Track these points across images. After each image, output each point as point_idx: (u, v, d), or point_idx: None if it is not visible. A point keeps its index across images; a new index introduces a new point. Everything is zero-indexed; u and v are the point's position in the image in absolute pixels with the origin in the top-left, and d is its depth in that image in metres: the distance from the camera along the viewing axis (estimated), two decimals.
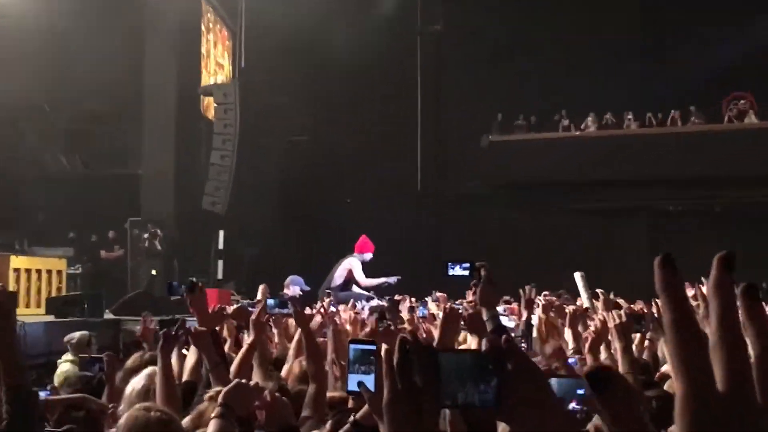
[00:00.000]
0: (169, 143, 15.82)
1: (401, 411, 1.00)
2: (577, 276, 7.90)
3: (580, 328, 5.22)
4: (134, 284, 14.28)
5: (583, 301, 7.64)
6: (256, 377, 3.79)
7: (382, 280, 11.48)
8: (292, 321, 5.57)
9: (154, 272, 14.44)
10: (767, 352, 0.77)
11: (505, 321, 4.70)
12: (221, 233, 16.22)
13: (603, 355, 4.05)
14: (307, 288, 10.47)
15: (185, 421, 2.82)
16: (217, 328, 4.27)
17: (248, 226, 16.94)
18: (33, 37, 14.61)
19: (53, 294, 11.09)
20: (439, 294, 8.72)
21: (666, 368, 4.26)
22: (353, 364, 1.89)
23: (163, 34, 15.86)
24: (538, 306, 5.83)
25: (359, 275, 11.40)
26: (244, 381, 2.73)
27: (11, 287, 9.84)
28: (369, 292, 11.34)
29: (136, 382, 3.57)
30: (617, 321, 3.70)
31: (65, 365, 6.25)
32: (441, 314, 3.60)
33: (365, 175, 18.11)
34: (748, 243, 14.61)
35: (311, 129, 18.68)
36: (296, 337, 4.77)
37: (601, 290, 5.79)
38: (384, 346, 1.23)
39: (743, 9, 16.79)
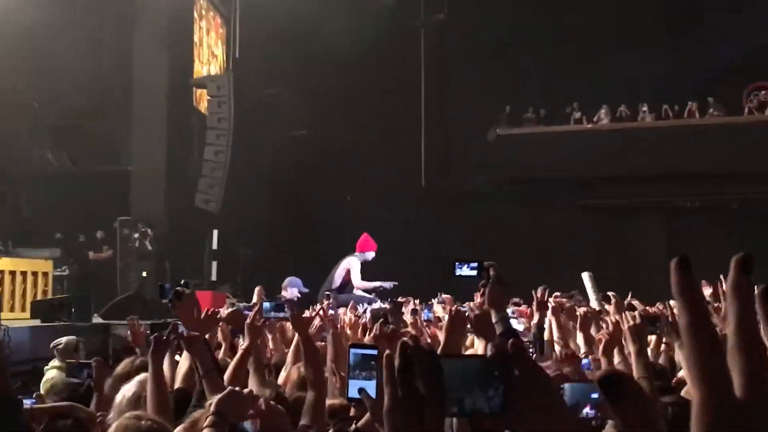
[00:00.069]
0: (160, 138, 15.80)
1: (402, 419, 1.00)
2: (585, 276, 7.89)
3: (593, 331, 5.22)
4: (124, 287, 14.29)
5: (591, 302, 7.64)
6: (251, 384, 3.79)
7: (378, 284, 11.49)
8: (289, 325, 5.57)
9: (144, 274, 14.45)
10: None
11: (514, 324, 4.70)
12: (215, 233, 16.22)
13: (617, 359, 4.05)
14: (306, 290, 10.48)
15: (178, 431, 2.82)
16: (208, 334, 4.27)
17: (244, 225, 16.95)
18: (16, 31, 14.60)
19: (39, 297, 11.09)
20: (444, 296, 8.72)
21: (683, 373, 4.26)
22: (354, 369, 1.90)
23: (153, 22, 15.85)
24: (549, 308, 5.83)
25: (356, 276, 11.42)
26: (238, 388, 2.72)
27: None
28: (371, 294, 11.35)
29: (127, 390, 3.57)
30: (631, 323, 3.70)
31: (52, 372, 6.26)
32: (446, 317, 3.60)
33: (366, 171, 18.12)
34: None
35: (309, 123, 18.69)
36: (294, 342, 4.77)
37: (613, 293, 5.79)
38: (386, 351, 1.23)
39: None
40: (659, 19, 18.28)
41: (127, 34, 15.87)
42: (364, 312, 7.40)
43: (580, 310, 5.58)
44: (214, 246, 16.29)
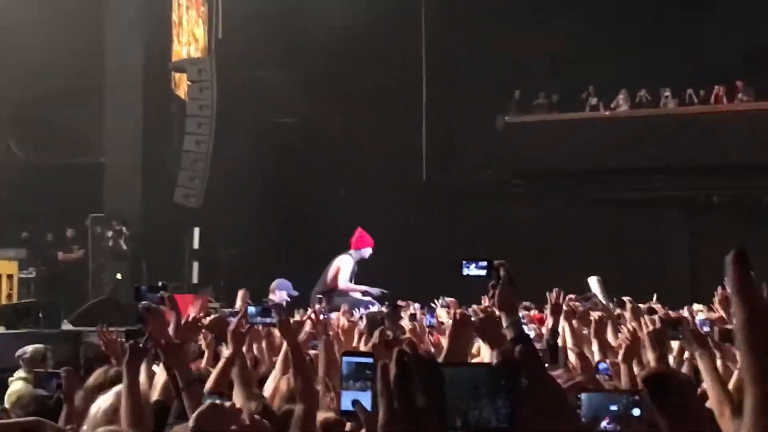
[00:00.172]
0: (136, 127, 15.77)
1: None
2: (593, 281, 7.89)
3: (610, 338, 5.22)
4: (96, 290, 14.27)
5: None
6: (236, 397, 3.79)
7: (365, 288, 11.49)
8: (278, 332, 5.57)
9: (119, 276, 14.44)
10: None
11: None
12: (196, 230, 16.20)
13: (636, 370, 4.05)
14: (296, 293, 10.48)
15: None
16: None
17: (228, 223, 16.92)
18: None
19: (3, 302, 11.09)
20: (449, 299, 8.72)
21: (706, 385, 4.27)
22: (347, 379, 1.89)
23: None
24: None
25: (343, 276, 11.43)
26: (219, 402, 2.73)
27: None
28: (368, 296, 11.36)
29: (103, 401, 3.58)
30: (650, 328, 3.70)
31: (17, 383, 6.26)
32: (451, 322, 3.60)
33: (362, 163, 18.09)
34: None
35: (300, 110, 18.65)
36: (283, 351, 4.78)
37: (628, 298, 5.81)
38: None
39: None
40: None
41: (98, 13, 15.83)
42: (361, 318, 7.41)
43: (595, 315, 5.59)
44: (195, 245, 16.27)
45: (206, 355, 5.10)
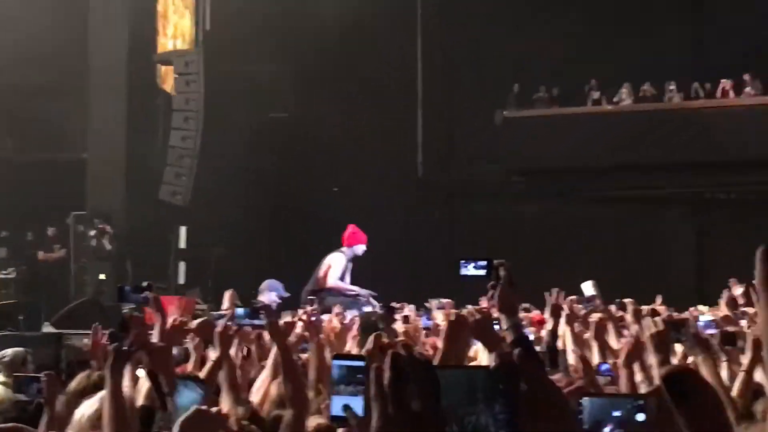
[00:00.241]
0: (120, 122, 15.76)
1: None
2: (588, 286, 7.89)
3: (612, 340, 5.23)
4: (79, 291, 14.25)
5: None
6: (223, 402, 3.79)
7: (355, 289, 11.49)
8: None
9: (102, 277, 14.43)
10: None
11: None
12: (183, 229, 16.19)
13: (638, 377, 4.04)
14: (287, 294, 10.48)
15: None
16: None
17: (216, 221, 16.90)
18: None
19: None
20: (444, 300, 8.74)
21: None
22: (337, 383, 1.89)
23: None
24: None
25: (334, 273, 11.43)
26: (205, 407, 2.72)
27: None
28: (362, 298, 11.35)
29: (88, 407, 3.57)
30: (652, 330, 3.68)
31: None
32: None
33: (356, 159, 18.08)
34: None
35: (292, 105, 18.64)
36: (272, 354, 4.77)
37: (630, 299, 5.82)
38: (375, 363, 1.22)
39: None
40: None
41: (81, 4, 15.79)
42: (352, 319, 7.40)
43: (595, 317, 5.60)
44: (182, 244, 16.26)
45: (192, 358, 5.09)
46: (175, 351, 4.26)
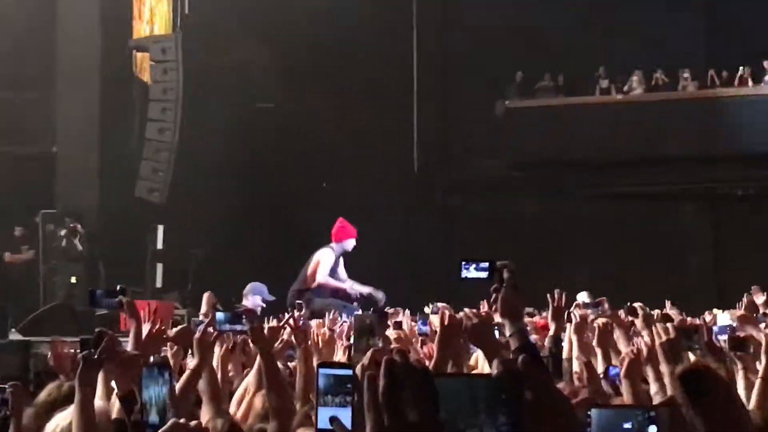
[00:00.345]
0: (92, 114, 15.73)
1: None
2: (582, 297, 7.86)
3: (623, 348, 5.22)
4: (48, 295, 14.23)
5: None
6: (204, 414, 3.78)
7: (346, 285, 11.51)
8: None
9: (73, 280, 14.40)
10: None
11: None
12: (160, 229, 16.15)
13: (653, 389, 4.03)
14: (272, 298, 10.50)
15: None
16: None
17: (196, 220, 16.89)
18: None
19: None
20: (440, 304, 8.73)
21: None
22: (324, 394, 1.89)
23: None
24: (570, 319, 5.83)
25: (323, 270, 11.46)
26: (183, 421, 2.71)
27: None
28: (355, 302, 11.36)
29: (62, 419, 3.57)
30: (663, 337, 3.69)
31: None
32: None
33: (348, 153, 18.08)
34: None
35: (278, 94, 18.61)
36: (256, 363, 4.77)
37: (639, 304, 5.81)
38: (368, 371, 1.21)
39: None
40: None
41: None
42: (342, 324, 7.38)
43: (599, 322, 5.59)
44: (159, 245, 16.21)
45: (171, 364, 5.08)
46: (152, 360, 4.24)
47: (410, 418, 1.01)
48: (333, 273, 11.75)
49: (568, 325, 5.68)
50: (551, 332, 5.00)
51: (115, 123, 16.26)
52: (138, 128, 16.76)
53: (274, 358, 4.22)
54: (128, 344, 4.61)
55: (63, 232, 14.67)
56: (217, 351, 4.83)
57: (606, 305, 9.34)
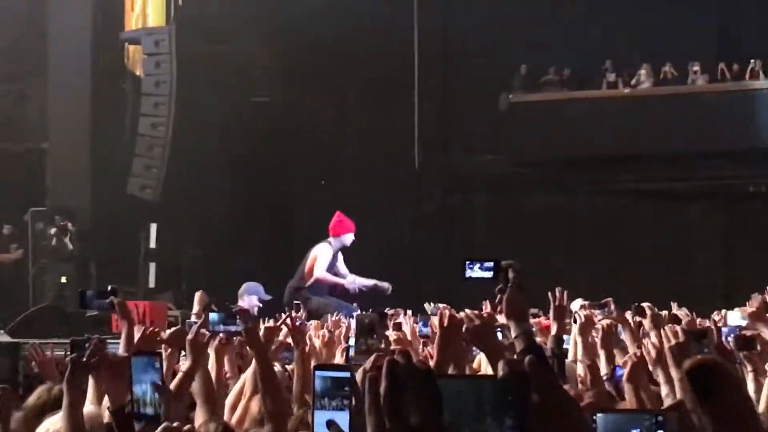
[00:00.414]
0: (83, 108, 15.73)
1: None
2: (576, 305, 7.83)
3: (631, 350, 5.22)
4: (38, 295, 14.24)
5: None
6: (197, 418, 3.77)
7: (345, 281, 11.53)
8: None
9: (64, 280, 14.40)
10: None
11: None
12: (154, 227, 16.15)
13: (664, 391, 4.03)
14: (268, 297, 10.50)
15: None
16: None
17: (190, 218, 16.90)
18: None
19: None
20: (441, 305, 8.73)
21: None
22: (321, 397, 1.88)
23: None
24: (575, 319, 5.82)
25: (320, 265, 11.47)
26: (176, 425, 2.71)
27: None
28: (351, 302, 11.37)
29: (53, 423, 3.57)
30: (672, 341, 3.68)
31: None
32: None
33: (347, 149, 18.08)
34: None
35: (275, 88, 18.61)
36: (252, 365, 4.76)
37: (648, 304, 5.80)
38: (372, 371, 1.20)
39: None
40: None
41: None
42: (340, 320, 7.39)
43: (603, 323, 5.57)
44: (152, 244, 16.21)
45: (164, 366, 5.08)
46: None
47: (412, 421, 1.00)
48: (332, 268, 11.77)
49: (573, 325, 5.67)
50: (553, 332, 4.98)
51: (106, 118, 16.27)
52: (130, 123, 16.76)
53: (270, 360, 4.21)
54: (120, 346, 4.61)
55: (53, 231, 14.68)
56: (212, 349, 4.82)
57: (612, 306, 9.33)
